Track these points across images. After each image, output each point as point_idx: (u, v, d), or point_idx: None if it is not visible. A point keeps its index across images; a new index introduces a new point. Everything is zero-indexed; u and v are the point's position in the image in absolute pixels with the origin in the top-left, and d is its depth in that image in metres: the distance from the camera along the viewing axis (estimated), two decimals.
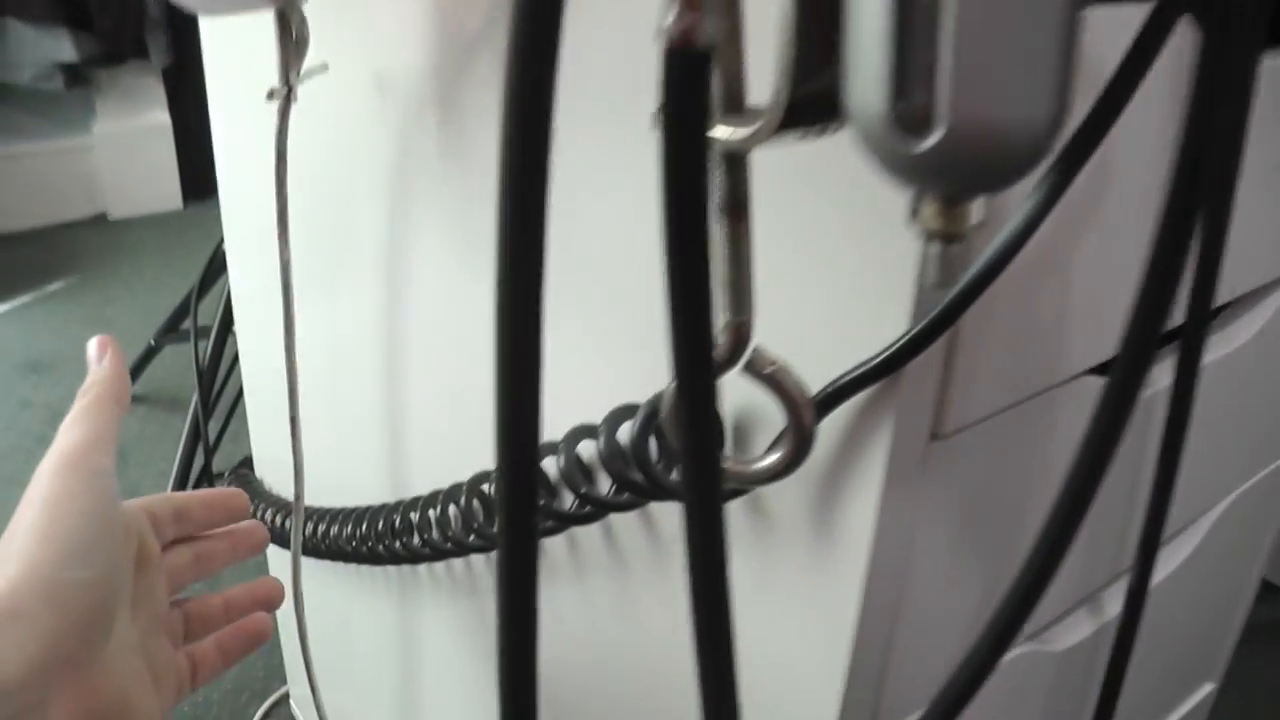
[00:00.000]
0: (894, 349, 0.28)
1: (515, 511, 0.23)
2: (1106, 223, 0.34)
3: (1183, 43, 0.30)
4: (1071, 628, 0.47)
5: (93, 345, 0.40)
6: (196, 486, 1.13)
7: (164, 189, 2.33)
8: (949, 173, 0.20)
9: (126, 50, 2.11)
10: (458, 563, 0.58)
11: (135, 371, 1.45)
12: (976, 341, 0.31)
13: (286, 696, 1.03)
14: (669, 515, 0.39)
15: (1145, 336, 0.28)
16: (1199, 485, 0.51)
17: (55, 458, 0.35)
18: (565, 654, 0.49)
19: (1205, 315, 0.37)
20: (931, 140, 0.19)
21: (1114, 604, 0.49)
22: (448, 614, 0.61)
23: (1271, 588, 1.30)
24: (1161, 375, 0.42)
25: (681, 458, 0.23)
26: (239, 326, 0.86)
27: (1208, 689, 0.67)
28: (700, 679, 0.25)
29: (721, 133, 0.24)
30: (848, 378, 0.29)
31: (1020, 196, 0.29)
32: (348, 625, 0.79)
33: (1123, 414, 0.29)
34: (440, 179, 0.48)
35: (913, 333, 0.28)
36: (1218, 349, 0.47)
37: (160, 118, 2.29)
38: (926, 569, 0.34)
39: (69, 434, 0.36)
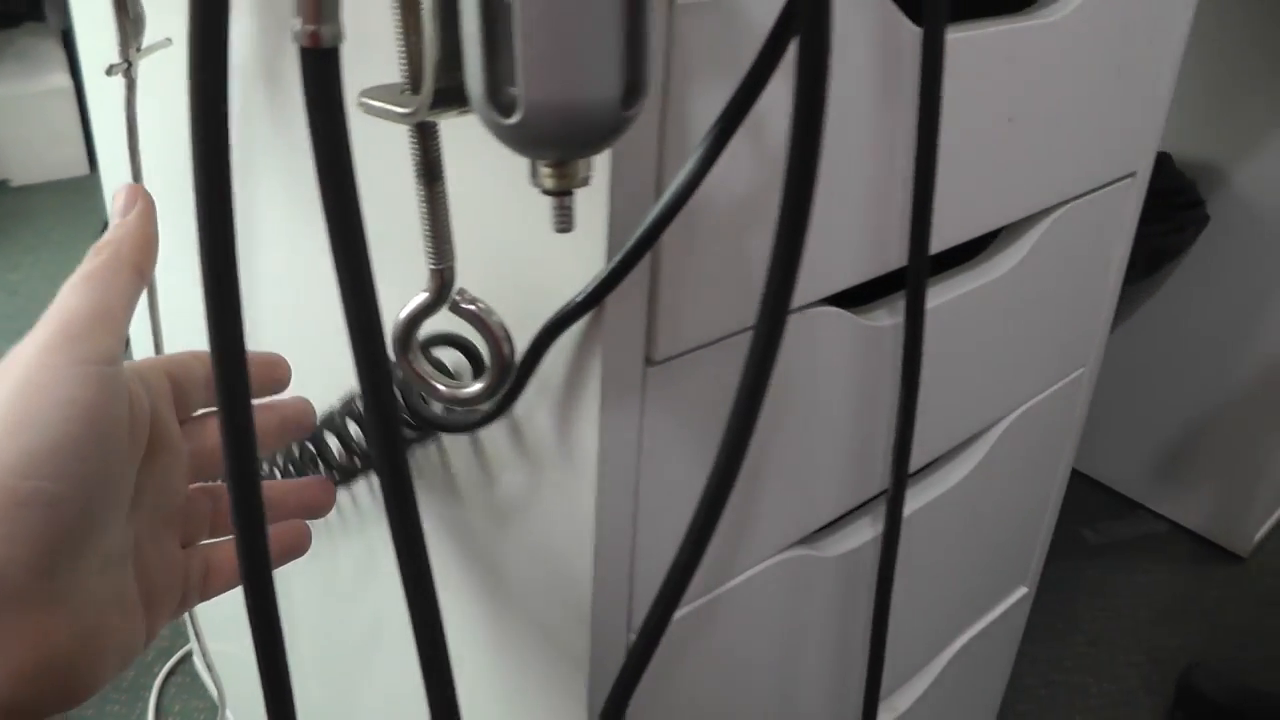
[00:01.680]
0: (591, 289, 0.33)
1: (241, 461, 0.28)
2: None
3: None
4: (850, 536, 0.53)
5: (121, 193, 0.32)
6: None
7: (67, 154, 2.29)
8: (539, 142, 0.25)
9: (21, 12, 2.07)
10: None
11: None
12: (678, 279, 0.35)
13: (191, 654, 1.05)
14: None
15: (784, 279, 0.32)
16: (978, 401, 0.57)
17: (45, 329, 0.27)
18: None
19: (924, 254, 0.42)
20: (515, 119, 0.24)
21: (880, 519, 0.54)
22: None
23: (1133, 504, 1.39)
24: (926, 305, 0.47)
25: (362, 399, 0.28)
26: None
27: (1021, 592, 0.74)
28: (412, 622, 0.30)
29: (392, 107, 0.28)
30: (560, 314, 0.34)
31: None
32: None
33: (773, 346, 0.33)
34: (272, 136, 0.52)
35: (604, 275, 0.33)
36: (985, 276, 0.52)
37: (60, 81, 2.24)
38: (660, 479, 0.39)
39: (67, 301, 0.28)
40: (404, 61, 0.28)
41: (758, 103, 0.31)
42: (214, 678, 0.85)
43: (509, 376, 0.33)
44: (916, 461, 0.54)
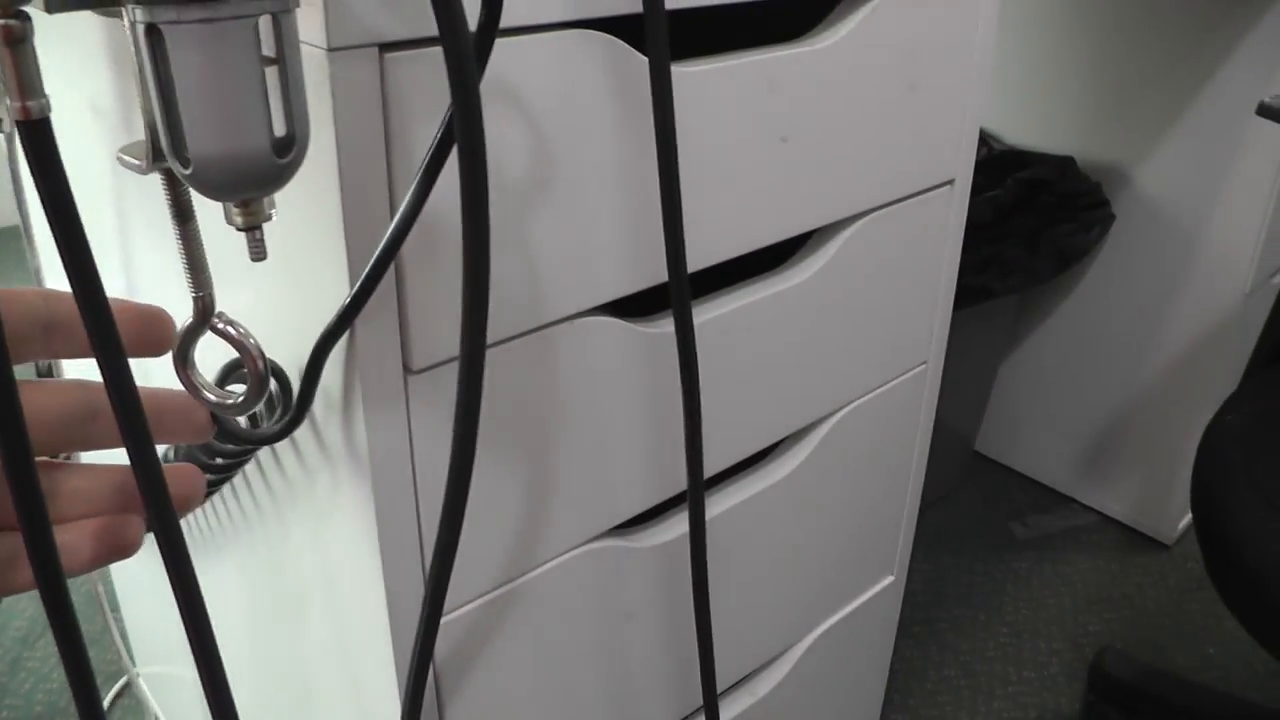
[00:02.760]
0: (339, 313, 0.37)
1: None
2: (558, 204, 0.43)
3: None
4: (670, 528, 0.56)
5: None
6: None
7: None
8: (214, 188, 0.29)
9: None
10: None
11: None
12: (426, 297, 0.40)
13: (135, 678, 1.09)
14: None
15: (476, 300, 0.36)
16: (798, 398, 0.61)
17: None
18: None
19: (681, 266, 0.46)
20: (190, 170, 0.28)
21: (710, 508, 0.59)
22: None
23: (1062, 497, 1.42)
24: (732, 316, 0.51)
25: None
26: None
27: (887, 580, 0.78)
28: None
29: (133, 160, 0.33)
30: (321, 336, 0.39)
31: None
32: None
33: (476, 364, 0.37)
34: (144, 190, 0.57)
35: (347, 301, 0.37)
36: (789, 280, 0.56)
37: None
38: (437, 476, 0.43)
39: None
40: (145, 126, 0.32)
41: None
42: (154, 700, 0.89)
43: (264, 386, 0.37)
44: (732, 456, 0.58)
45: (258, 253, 0.32)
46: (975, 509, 1.43)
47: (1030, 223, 1.19)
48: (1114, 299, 1.27)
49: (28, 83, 0.28)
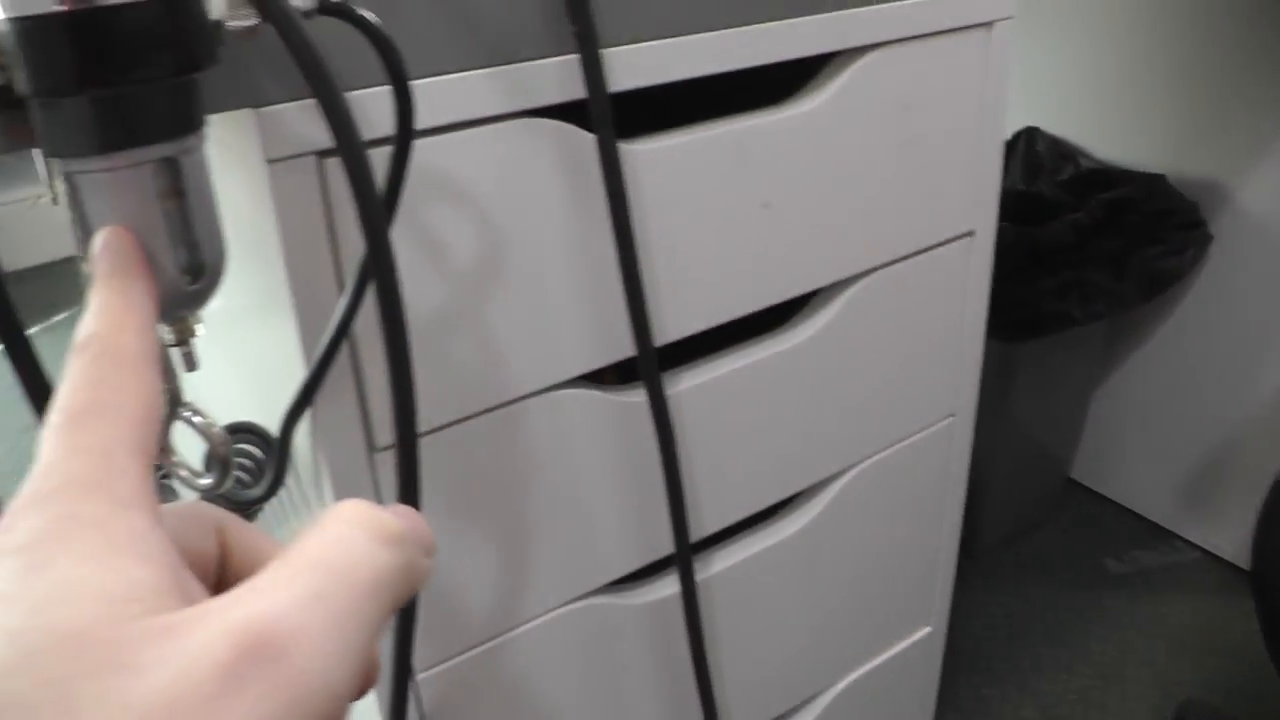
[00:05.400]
0: (300, 388, 0.40)
1: None
2: (515, 286, 0.44)
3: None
4: (663, 586, 0.57)
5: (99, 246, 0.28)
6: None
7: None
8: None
9: None
10: None
11: None
12: (382, 385, 0.42)
13: None
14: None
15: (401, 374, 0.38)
16: (804, 456, 0.60)
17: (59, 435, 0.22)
18: None
19: (647, 338, 0.47)
20: None
21: (710, 566, 0.59)
22: None
23: (1163, 531, 1.35)
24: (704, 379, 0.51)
25: None
26: None
27: (924, 631, 0.76)
28: None
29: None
30: (283, 421, 0.41)
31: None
32: None
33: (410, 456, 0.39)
34: None
35: (306, 378, 0.40)
36: (787, 342, 0.56)
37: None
38: None
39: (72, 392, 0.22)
40: None
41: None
42: None
43: (229, 470, 0.40)
44: (733, 515, 0.58)
45: (190, 363, 0.34)
46: (1068, 540, 1.37)
47: (1116, 245, 1.14)
48: (1216, 323, 1.20)
49: None
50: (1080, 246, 1.13)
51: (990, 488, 1.27)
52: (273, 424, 0.45)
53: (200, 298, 0.32)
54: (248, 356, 0.47)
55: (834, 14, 0.49)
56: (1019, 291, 1.11)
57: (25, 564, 0.18)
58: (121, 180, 0.29)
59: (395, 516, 0.21)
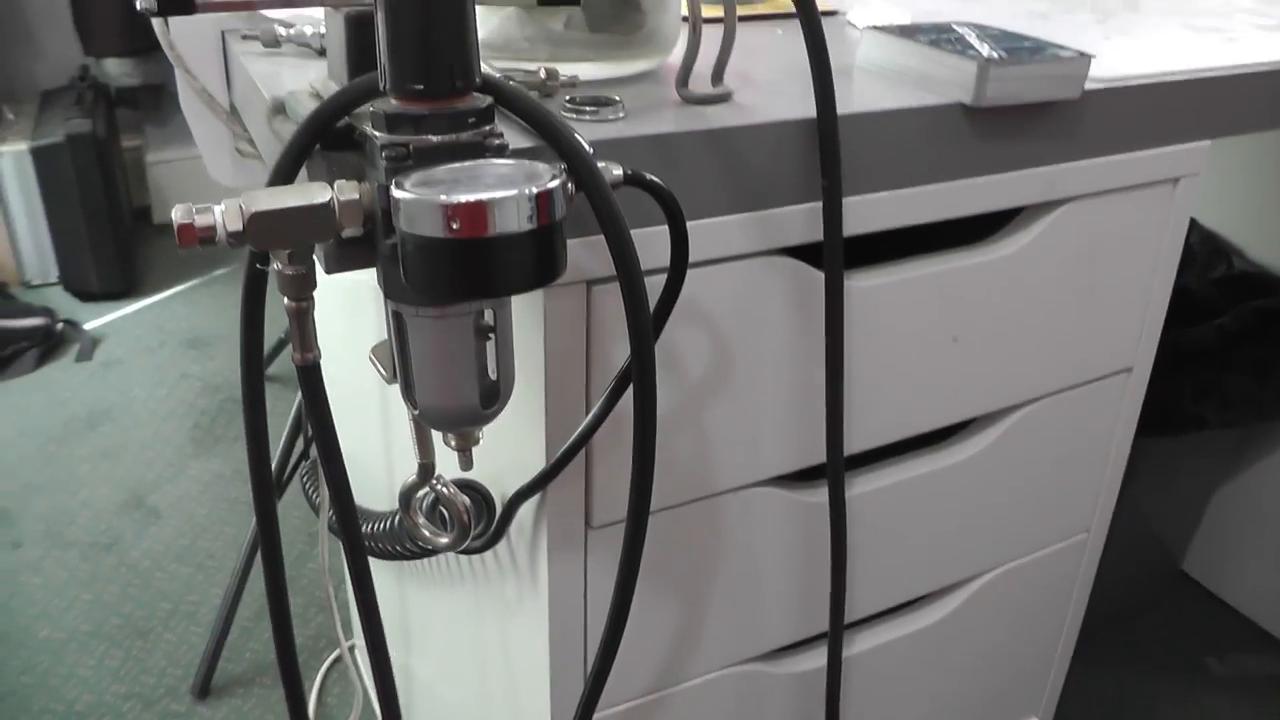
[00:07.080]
0: (536, 477, 0.46)
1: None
2: (734, 397, 0.50)
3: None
4: (811, 658, 0.62)
5: None
6: (292, 467, 1.30)
7: None
8: (436, 424, 0.39)
9: None
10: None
11: (273, 354, 1.67)
12: (609, 468, 0.48)
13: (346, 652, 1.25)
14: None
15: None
16: (950, 557, 0.64)
17: None
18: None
19: (839, 450, 0.52)
20: (417, 410, 0.38)
21: (853, 645, 0.64)
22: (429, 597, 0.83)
23: (1272, 640, 1.33)
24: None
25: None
26: None
27: None
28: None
29: (378, 366, 0.43)
30: (515, 494, 0.48)
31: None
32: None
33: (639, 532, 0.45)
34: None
35: (542, 470, 0.46)
36: (954, 457, 0.60)
37: None
38: (603, 608, 0.52)
39: None
40: None
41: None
42: (357, 673, 1.05)
43: (467, 534, 0.47)
44: (879, 604, 0.63)
45: (466, 465, 0.41)
46: (1171, 633, 1.37)
47: (1262, 353, 1.13)
48: None
49: (306, 340, 0.38)
50: (1223, 352, 1.13)
51: (1100, 565, 1.28)
52: (487, 479, 0.52)
53: (489, 418, 0.38)
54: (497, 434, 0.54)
55: (1045, 168, 0.53)
56: (1156, 387, 1.12)
57: None
58: (447, 325, 0.35)
59: None
